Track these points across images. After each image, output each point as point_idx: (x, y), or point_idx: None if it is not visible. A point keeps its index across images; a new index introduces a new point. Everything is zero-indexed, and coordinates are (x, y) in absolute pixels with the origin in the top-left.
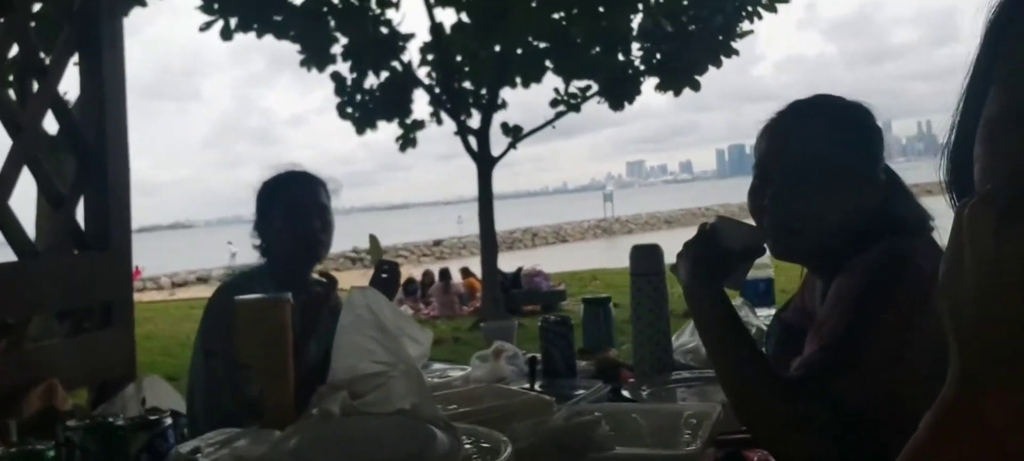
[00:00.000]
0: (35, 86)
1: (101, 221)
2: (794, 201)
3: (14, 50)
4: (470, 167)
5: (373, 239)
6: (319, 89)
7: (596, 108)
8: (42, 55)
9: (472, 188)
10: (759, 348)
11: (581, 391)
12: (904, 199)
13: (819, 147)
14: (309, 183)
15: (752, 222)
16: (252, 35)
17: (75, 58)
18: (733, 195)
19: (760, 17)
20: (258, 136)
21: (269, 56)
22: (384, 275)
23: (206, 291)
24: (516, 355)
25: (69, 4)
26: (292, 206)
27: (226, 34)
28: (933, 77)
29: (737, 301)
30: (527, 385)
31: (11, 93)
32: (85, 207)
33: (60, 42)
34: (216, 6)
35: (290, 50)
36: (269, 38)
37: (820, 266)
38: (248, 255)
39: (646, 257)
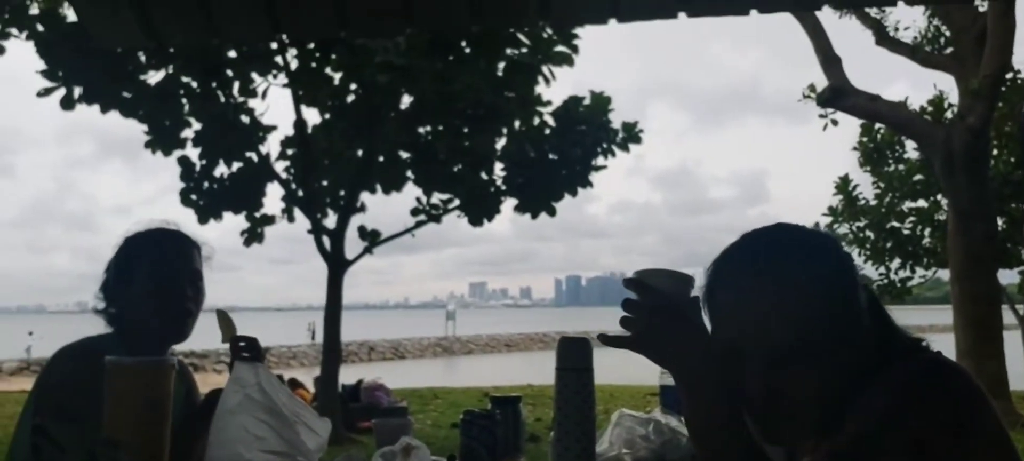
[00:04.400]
0: None
1: None
2: (790, 388)
3: None
4: (306, 274)
5: (222, 314)
6: (150, 179)
7: (437, 227)
8: None
9: (306, 296)
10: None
11: None
12: (886, 322)
13: (806, 316)
14: (183, 244)
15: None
16: (85, 113)
17: None
18: (569, 323)
19: (614, 154)
20: (76, 222)
21: (99, 139)
22: (245, 354)
23: None
24: (425, 452)
25: None
26: (161, 269)
27: (67, 104)
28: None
29: (655, 411)
30: None
31: None
32: None
33: None
34: (61, 74)
35: (124, 134)
36: (101, 119)
37: (817, 435)
38: (47, 348)
39: (574, 350)
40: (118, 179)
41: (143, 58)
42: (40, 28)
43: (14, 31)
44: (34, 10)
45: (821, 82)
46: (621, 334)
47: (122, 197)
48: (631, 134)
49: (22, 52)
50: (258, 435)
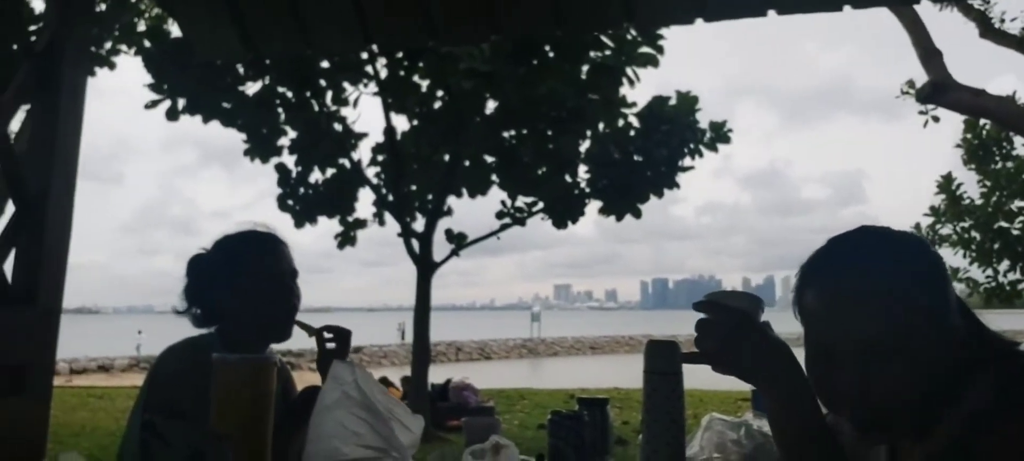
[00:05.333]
0: None
1: (31, 275)
2: (882, 385)
3: None
4: (396, 276)
5: (298, 322)
6: (247, 186)
7: (522, 229)
8: None
9: (396, 297)
10: None
11: None
12: (977, 323)
13: (895, 311)
14: (282, 246)
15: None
16: (187, 124)
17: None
18: (657, 326)
19: (701, 155)
20: (180, 226)
21: (201, 148)
22: (331, 344)
23: (107, 380)
24: (514, 451)
25: (32, 42)
26: (268, 275)
27: (172, 115)
28: None
29: (747, 415)
30: None
31: None
32: (16, 259)
33: (17, 81)
34: (166, 86)
35: (223, 144)
36: (203, 129)
37: (913, 434)
38: (155, 346)
39: (662, 353)
40: (218, 185)
41: (241, 70)
42: (147, 44)
43: (123, 47)
44: (141, 27)
45: (920, 77)
46: (699, 352)
47: (221, 202)
48: (719, 134)
49: (131, 67)
50: (355, 430)
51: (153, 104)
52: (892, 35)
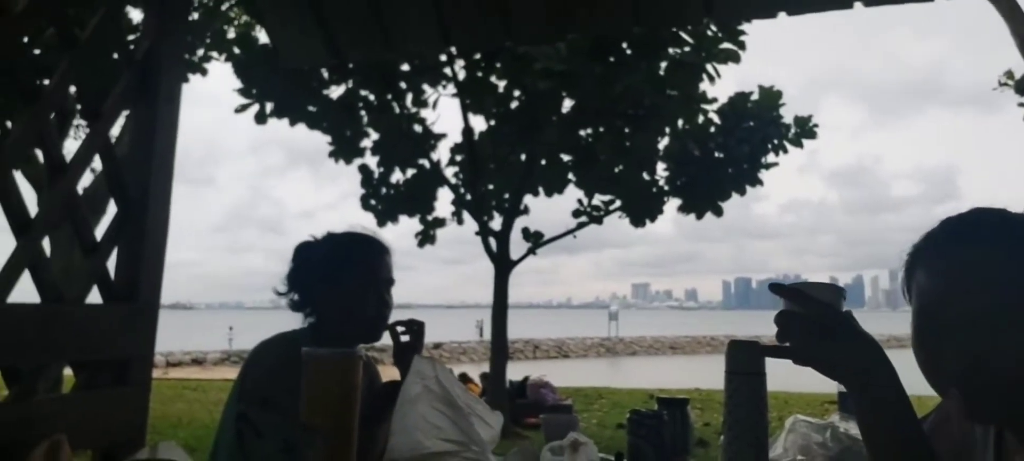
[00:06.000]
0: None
1: (132, 272)
2: (993, 358)
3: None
4: (474, 274)
5: None
6: (331, 186)
7: (598, 227)
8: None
9: (475, 295)
10: None
11: None
12: None
13: (1006, 283)
14: (383, 251)
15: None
16: (274, 127)
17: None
18: (739, 327)
19: (786, 151)
20: (268, 225)
21: (287, 150)
22: (403, 336)
23: (201, 372)
24: (593, 449)
25: (132, 51)
26: (367, 280)
27: (260, 118)
28: None
29: (833, 417)
30: None
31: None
32: (118, 257)
33: (119, 88)
34: (254, 91)
35: (308, 146)
36: (288, 132)
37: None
38: (245, 341)
39: (745, 354)
40: (303, 186)
41: (325, 75)
42: (236, 51)
43: (215, 54)
44: (231, 35)
45: (1019, 67)
46: (780, 345)
47: (307, 202)
48: (805, 129)
49: (222, 74)
50: (436, 425)
51: (242, 108)
52: (987, 24)
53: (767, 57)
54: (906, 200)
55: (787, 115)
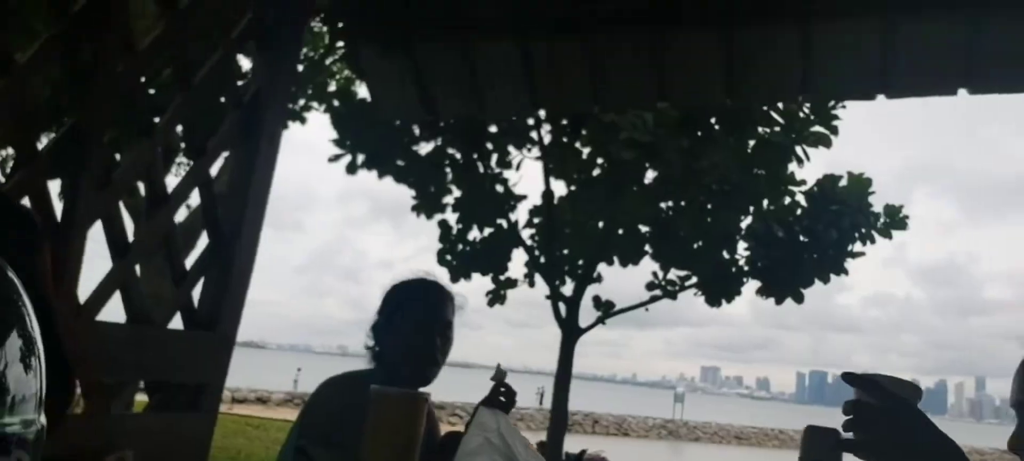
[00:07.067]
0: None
1: (215, 304)
2: None
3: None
4: (540, 339)
5: (499, 367)
6: (411, 240)
7: (671, 303)
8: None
9: (539, 361)
10: None
11: None
12: None
13: None
14: (441, 295)
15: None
16: (363, 178)
17: None
18: (811, 423)
19: (874, 241)
20: (347, 273)
21: (372, 202)
22: (502, 398)
23: (264, 411)
24: None
25: (241, 93)
26: (418, 319)
27: (351, 168)
28: None
29: None
30: None
31: None
32: (203, 288)
33: (225, 127)
34: (348, 142)
35: (392, 199)
36: (376, 184)
37: None
38: (312, 384)
39: (822, 441)
40: (384, 238)
41: (417, 131)
42: (336, 103)
43: (315, 104)
44: (332, 87)
45: None
46: (854, 438)
47: (386, 253)
48: (895, 219)
49: (319, 124)
50: None
51: (336, 158)
52: None
53: (858, 141)
54: (999, 304)
55: (876, 204)
